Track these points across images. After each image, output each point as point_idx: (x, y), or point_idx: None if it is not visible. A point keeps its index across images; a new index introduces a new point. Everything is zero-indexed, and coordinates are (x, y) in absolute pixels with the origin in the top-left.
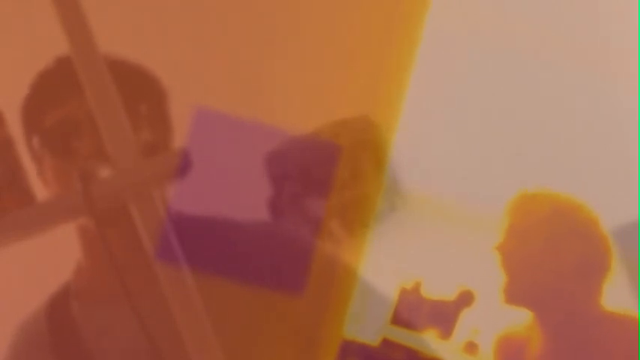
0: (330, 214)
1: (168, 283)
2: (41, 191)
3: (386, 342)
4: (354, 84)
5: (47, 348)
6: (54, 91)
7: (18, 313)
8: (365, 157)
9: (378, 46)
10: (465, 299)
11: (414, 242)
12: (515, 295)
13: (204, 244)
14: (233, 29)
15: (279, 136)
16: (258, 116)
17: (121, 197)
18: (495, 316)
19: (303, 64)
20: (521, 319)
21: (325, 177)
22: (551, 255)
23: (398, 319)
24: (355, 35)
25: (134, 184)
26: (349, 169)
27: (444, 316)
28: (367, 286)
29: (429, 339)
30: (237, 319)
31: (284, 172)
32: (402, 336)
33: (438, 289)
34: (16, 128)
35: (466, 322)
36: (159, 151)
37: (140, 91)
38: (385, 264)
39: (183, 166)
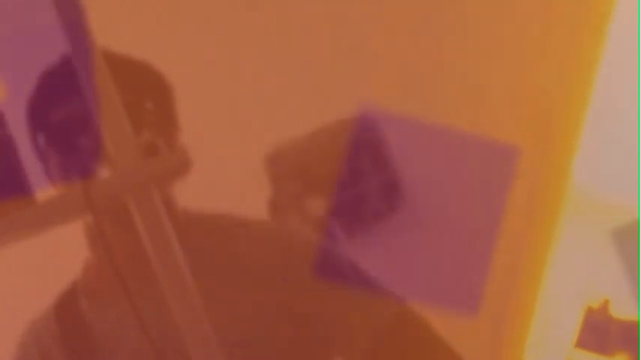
0: (330, 214)
1: (169, 283)
2: (41, 191)
3: None
4: (536, 87)
5: (57, 346)
6: (60, 89)
7: (18, 313)
8: (364, 158)
9: (560, 52)
10: None
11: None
12: None
13: (211, 241)
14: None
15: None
16: (433, 117)
17: (121, 197)
18: None
19: (483, 67)
20: None
21: (325, 177)
22: None
23: (584, 342)
24: (537, 39)
25: (134, 184)
26: (349, 170)
27: (635, 338)
28: (548, 306)
29: None
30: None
31: (284, 172)
32: None
33: (627, 308)
34: (16, 128)
35: None
36: (163, 148)
37: (146, 87)
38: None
39: (184, 166)
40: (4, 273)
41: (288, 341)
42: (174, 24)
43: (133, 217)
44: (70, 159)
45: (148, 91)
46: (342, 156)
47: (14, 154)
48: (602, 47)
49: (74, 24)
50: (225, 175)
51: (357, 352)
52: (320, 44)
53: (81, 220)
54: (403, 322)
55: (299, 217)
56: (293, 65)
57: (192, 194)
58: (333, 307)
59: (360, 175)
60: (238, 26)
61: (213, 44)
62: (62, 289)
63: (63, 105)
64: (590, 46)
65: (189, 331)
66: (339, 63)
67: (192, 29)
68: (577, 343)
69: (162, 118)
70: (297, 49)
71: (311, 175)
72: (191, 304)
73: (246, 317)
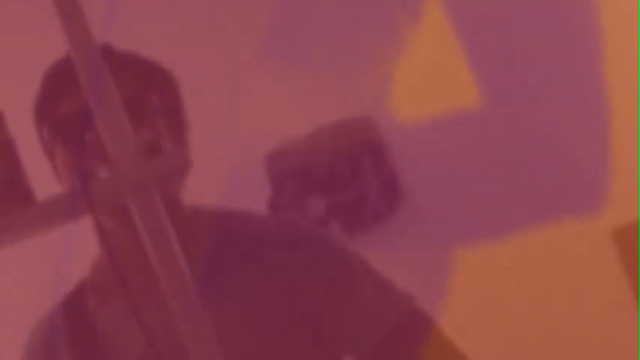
0: (330, 214)
1: (169, 283)
2: (41, 191)
3: None
4: None
5: (63, 343)
6: (67, 82)
7: (19, 313)
8: (365, 158)
9: None
10: None
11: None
12: None
13: (218, 238)
14: None
15: None
16: None
17: (121, 197)
18: None
19: None
20: None
21: (325, 177)
22: None
23: None
24: None
25: (134, 184)
26: (349, 170)
27: None
28: None
29: None
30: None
31: (284, 172)
32: None
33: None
34: (16, 128)
35: None
36: (170, 145)
37: (152, 82)
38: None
39: (184, 166)
40: (4, 273)
41: (297, 339)
42: (174, 23)
43: (133, 217)
44: (76, 153)
45: (154, 86)
46: (342, 156)
47: (14, 154)
48: None
49: (74, 22)
50: (225, 175)
51: (366, 351)
52: (321, 44)
53: (83, 220)
54: (412, 321)
55: (299, 217)
56: (293, 65)
57: (193, 194)
58: (342, 305)
59: (360, 175)
60: (239, 25)
61: (213, 44)
62: (70, 287)
63: (70, 99)
64: None
65: (189, 332)
66: (339, 62)
67: (192, 29)
68: None
69: (168, 113)
70: (298, 48)
71: (311, 175)
72: (191, 304)
73: (254, 314)
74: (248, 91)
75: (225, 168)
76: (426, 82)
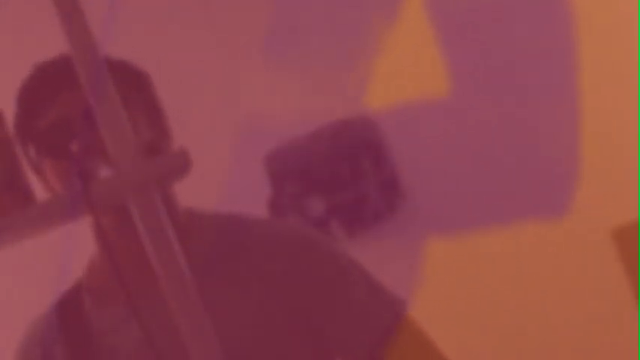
0: (330, 214)
1: (169, 284)
2: (41, 191)
3: None
4: None
5: (58, 342)
6: (40, 97)
7: (18, 313)
8: (365, 158)
9: None
10: None
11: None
12: None
13: (213, 241)
14: None
15: None
16: None
17: (121, 197)
18: None
19: None
20: None
21: (325, 177)
22: None
23: None
24: None
25: (134, 184)
26: (349, 170)
27: None
28: None
29: None
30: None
31: (284, 172)
32: None
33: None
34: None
35: None
36: (157, 144)
37: (124, 83)
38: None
39: (184, 166)
40: (4, 273)
41: (289, 341)
42: (174, 23)
43: (133, 217)
44: (66, 163)
45: (132, 87)
46: (342, 156)
47: (14, 154)
48: None
49: (74, 22)
50: (225, 175)
51: (360, 352)
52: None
53: (83, 220)
54: (402, 325)
55: (299, 217)
56: (293, 64)
57: (193, 194)
58: (337, 306)
59: (360, 175)
60: (238, 25)
61: (212, 44)
62: (66, 286)
63: (47, 111)
64: None
65: (189, 332)
66: (339, 62)
67: (192, 29)
68: None
69: (147, 111)
70: (298, 48)
71: (311, 175)
72: (191, 304)
73: (247, 317)
74: (248, 90)
75: (225, 168)
76: (412, 77)
